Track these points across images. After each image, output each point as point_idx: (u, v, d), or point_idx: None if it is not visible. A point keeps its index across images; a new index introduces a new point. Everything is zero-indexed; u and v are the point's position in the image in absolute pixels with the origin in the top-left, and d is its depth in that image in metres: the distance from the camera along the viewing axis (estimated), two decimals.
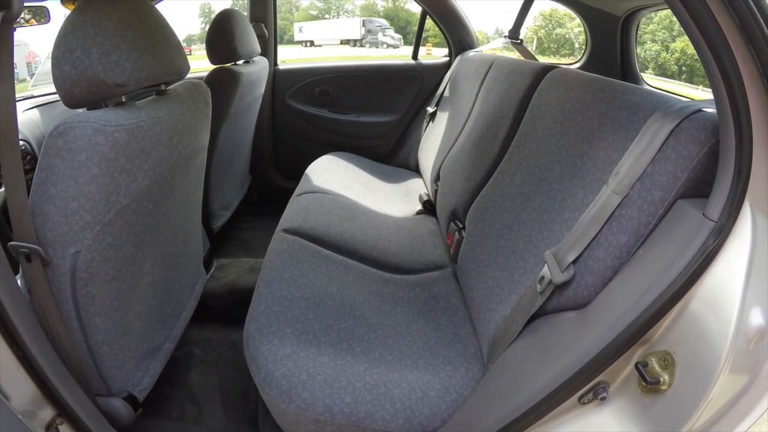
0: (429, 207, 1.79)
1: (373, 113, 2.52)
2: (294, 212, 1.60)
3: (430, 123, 2.20)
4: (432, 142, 2.02)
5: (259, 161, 2.56)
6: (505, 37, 2.15)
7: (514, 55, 2.25)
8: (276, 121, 2.54)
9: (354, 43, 19.86)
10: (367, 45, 19.29)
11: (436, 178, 1.76)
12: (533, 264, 0.97)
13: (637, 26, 2.29)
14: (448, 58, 2.47)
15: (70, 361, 0.95)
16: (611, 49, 2.32)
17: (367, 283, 1.30)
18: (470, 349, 1.11)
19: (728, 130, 0.64)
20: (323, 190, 1.80)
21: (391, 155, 2.55)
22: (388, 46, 18.81)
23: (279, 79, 2.48)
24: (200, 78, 1.73)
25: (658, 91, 0.91)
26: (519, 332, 0.92)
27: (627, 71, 2.38)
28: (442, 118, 2.04)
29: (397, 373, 1.00)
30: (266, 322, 1.08)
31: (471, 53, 2.16)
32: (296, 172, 2.13)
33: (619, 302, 0.73)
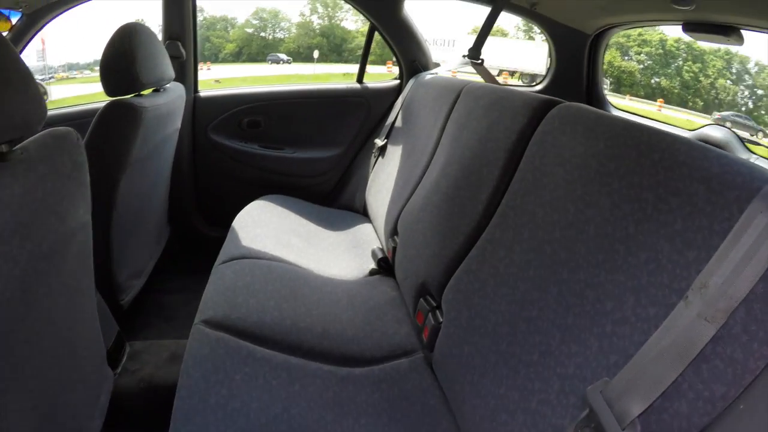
0: (385, 265, 1.46)
1: (311, 147, 2.15)
2: (218, 292, 1.22)
3: (380, 158, 1.86)
4: (383, 183, 1.70)
5: (179, 208, 2.13)
6: (464, 56, 1.89)
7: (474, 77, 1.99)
8: (197, 159, 2.12)
9: (531, 79, 13.04)
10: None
11: (393, 232, 1.44)
12: (559, 392, 0.69)
13: (606, 46, 2.12)
14: (398, 81, 2.15)
15: None
16: (577, 69, 2.12)
17: (319, 389, 0.98)
18: None
19: None
20: (255, 254, 1.42)
21: (333, 196, 2.18)
22: None
23: (200, 109, 2.06)
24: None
25: (740, 157, 0.64)
26: None
27: (593, 94, 2.21)
28: (395, 153, 1.73)
29: None
30: None
31: (427, 76, 1.86)
32: (224, 219, 1.75)
33: None
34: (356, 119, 2.13)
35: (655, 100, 12.09)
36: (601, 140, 0.79)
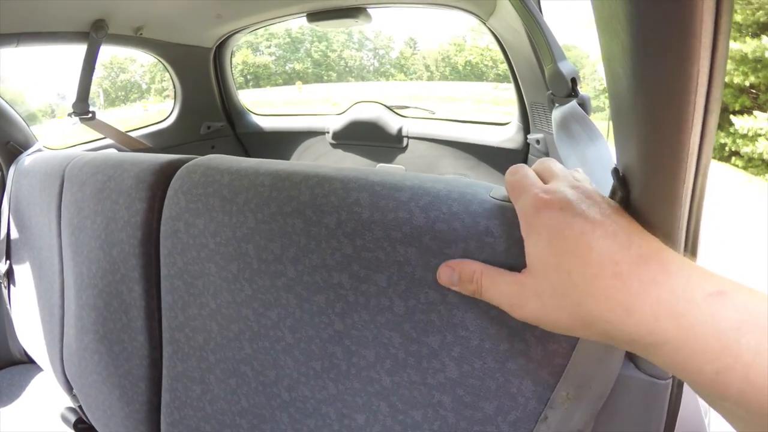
0: (84, 426, 1.06)
1: None
2: None
3: (12, 287, 1.33)
4: (30, 322, 1.22)
5: None
6: (69, 115, 1.52)
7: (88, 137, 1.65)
8: None
9: None
10: None
11: (69, 388, 1.04)
12: None
13: (232, 53, 2.03)
14: None
15: None
16: (206, 84, 1.98)
17: None
18: None
19: None
20: None
21: None
22: None
23: None
24: None
25: (439, 181, 0.48)
26: None
27: (229, 104, 2.12)
28: (24, 277, 1.23)
29: None
30: None
31: (28, 159, 1.37)
32: None
33: None
34: None
35: (294, 84, 13.38)
36: (249, 215, 0.56)
